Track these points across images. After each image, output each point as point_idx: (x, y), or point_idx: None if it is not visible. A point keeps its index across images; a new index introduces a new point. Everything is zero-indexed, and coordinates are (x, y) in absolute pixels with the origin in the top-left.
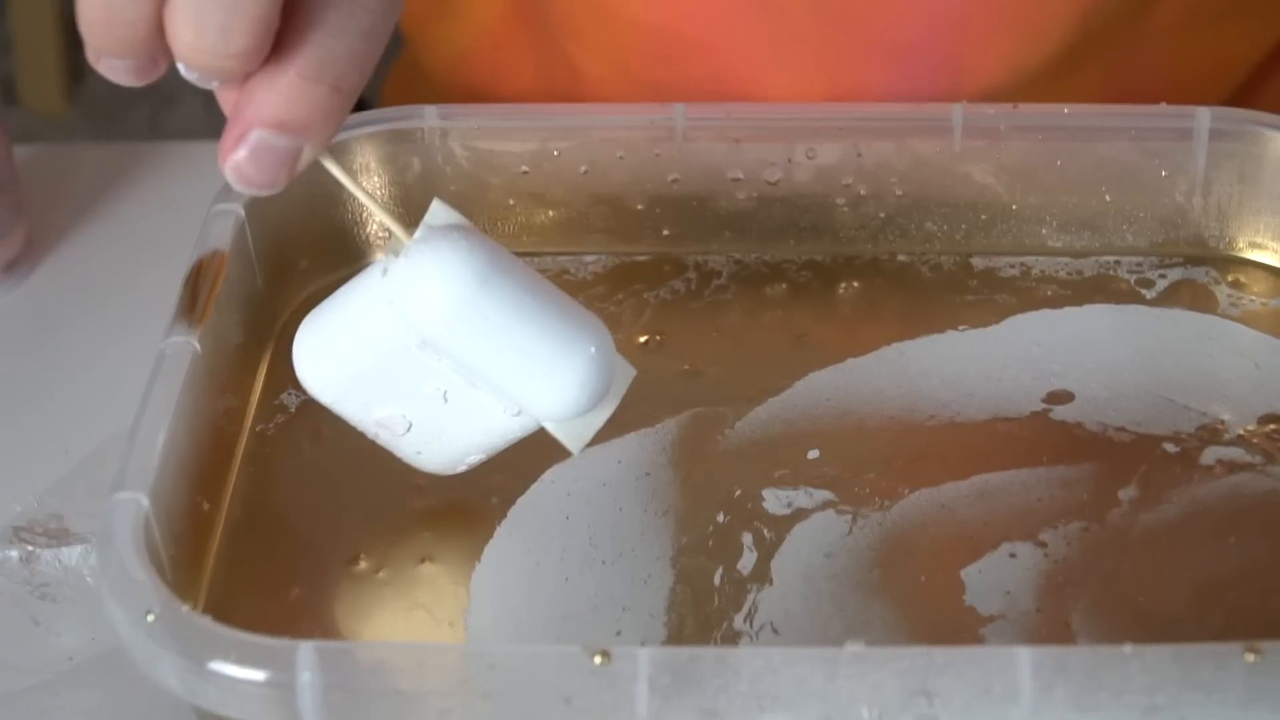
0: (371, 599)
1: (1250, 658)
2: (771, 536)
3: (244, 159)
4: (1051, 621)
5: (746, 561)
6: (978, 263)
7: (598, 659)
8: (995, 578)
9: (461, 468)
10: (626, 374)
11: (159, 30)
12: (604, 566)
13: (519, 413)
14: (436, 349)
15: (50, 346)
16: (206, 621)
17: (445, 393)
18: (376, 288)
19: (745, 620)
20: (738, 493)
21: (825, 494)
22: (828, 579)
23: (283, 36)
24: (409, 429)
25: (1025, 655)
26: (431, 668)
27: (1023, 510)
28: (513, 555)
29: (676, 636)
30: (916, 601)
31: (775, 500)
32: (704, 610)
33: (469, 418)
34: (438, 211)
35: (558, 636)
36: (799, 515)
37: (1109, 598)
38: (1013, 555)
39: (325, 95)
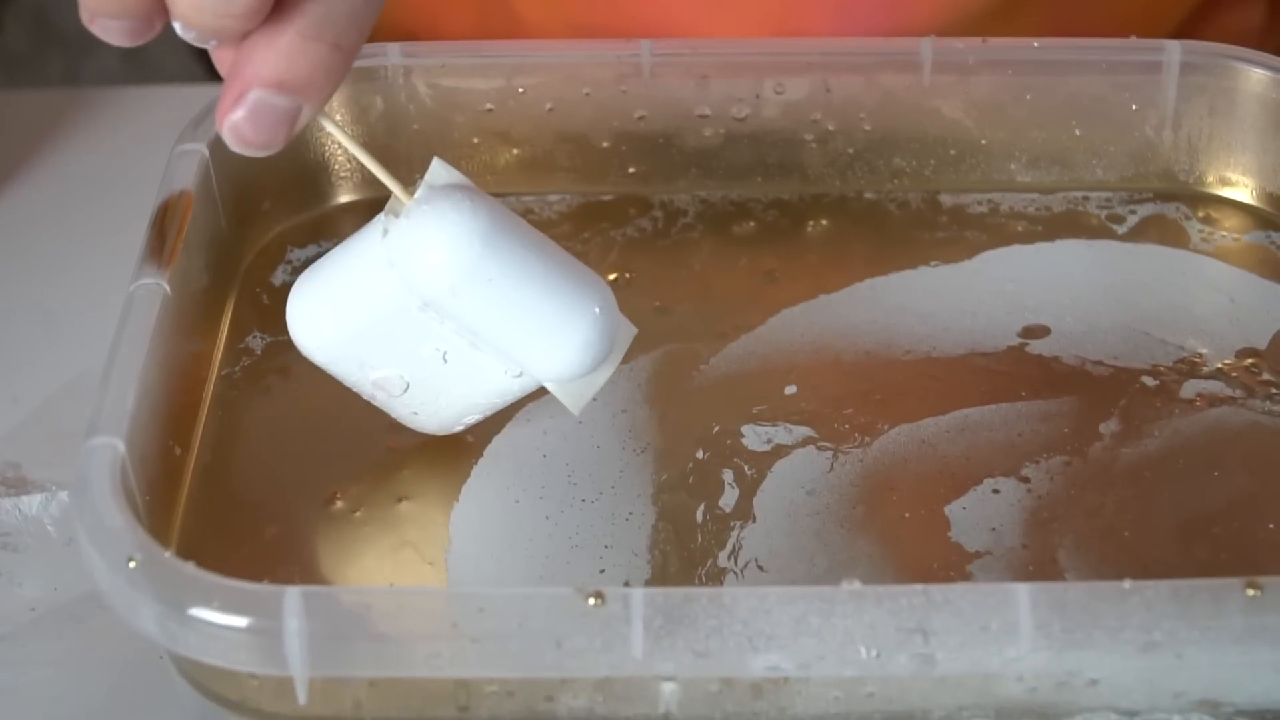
0: (349, 540)
1: (1251, 593)
2: (753, 473)
3: (242, 119)
4: (1039, 557)
5: (728, 498)
6: (946, 200)
7: (591, 600)
8: (980, 514)
9: (458, 428)
10: (628, 333)
11: None
12: (584, 504)
13: (520, 374)
14: (439, 311)
15: None
16: (189, 567)
17: (445, 354)
18: (376, 249)
19: (730, 558)
20: (716, 429)
21: (805, 430)
22: (811, 516)
23: None
24: (406, 389)
25: (1023, 592)
26: (419, 612)
27: (1004, 445)
28: (491, 494)
29: (660, 574)
30: (902, 538)
31: (755, 436)
32: (687, 548)
33: (469, 379)
34: (438, 171)
35: (540, 576)
36: (779, 452)
37: (1095, 532)
38: (996, 491)
39: (326, 53)
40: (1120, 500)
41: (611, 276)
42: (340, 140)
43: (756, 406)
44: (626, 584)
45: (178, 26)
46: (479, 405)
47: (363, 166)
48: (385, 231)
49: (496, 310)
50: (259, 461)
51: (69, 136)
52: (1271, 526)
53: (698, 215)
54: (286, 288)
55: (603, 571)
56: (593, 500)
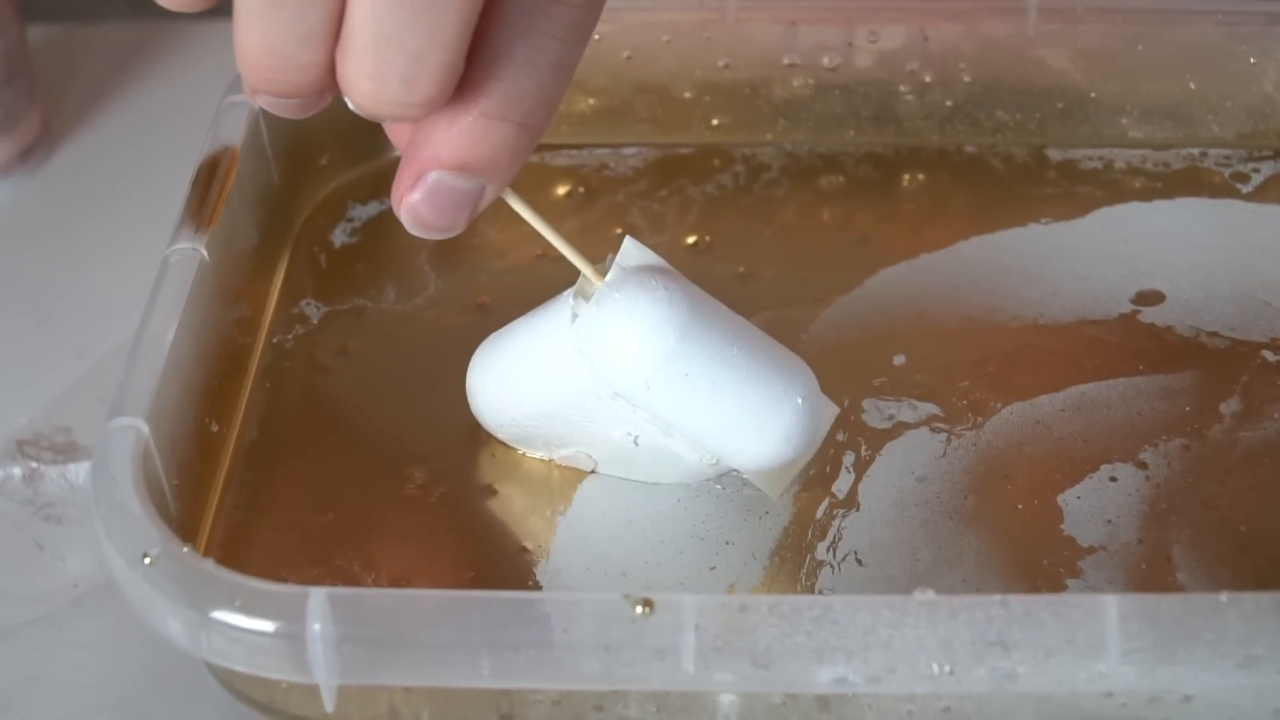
0: (418, 528)
1: None
2: (867, 454)
3: (420, 202)
4: (1152, 554)
5: (842, 484)
6: (1054, 154)
7: (640, 609)
8: (1095, 504)
9: None
10: (830, 413)
11: (330, 71)
12: (720, 493)
13: (715, 461)
14: (630, 402)
15: (69, 239)
16: (209, 565)
17: (636, 438)
18: (563, 334)
19: (829, 550)
20: (846, 402)
21: (929, 407)
22: (919, 505)
23: (465, 70)
24: (595, 468)
25: (1112, 604)
26: (456, 616)
27: (1122, 425)
28: None
29: (771, 581)
30: (1013, 533)
31: (876, 412)
32: (803, 546)
33: (660, 461)
34: (630, 250)
35: (645, 562)
36: (895, 431)
37: (1211, 525)
38: (1113, 479)
39: (511, 134)
40: (1237, 489)
41: (690, 239)
42: (526, 218)
43: (878, 379)
44: (732, 587)
45: (350, 105)
46: (669, 483)
47: None
48: (574, 316)
49: (692, 404)
50: (312, 438)
51: (161, 71)
52: None
53: (782, 170)
54: (347, 248)
55: (712, 569)
56: (732, 491)
